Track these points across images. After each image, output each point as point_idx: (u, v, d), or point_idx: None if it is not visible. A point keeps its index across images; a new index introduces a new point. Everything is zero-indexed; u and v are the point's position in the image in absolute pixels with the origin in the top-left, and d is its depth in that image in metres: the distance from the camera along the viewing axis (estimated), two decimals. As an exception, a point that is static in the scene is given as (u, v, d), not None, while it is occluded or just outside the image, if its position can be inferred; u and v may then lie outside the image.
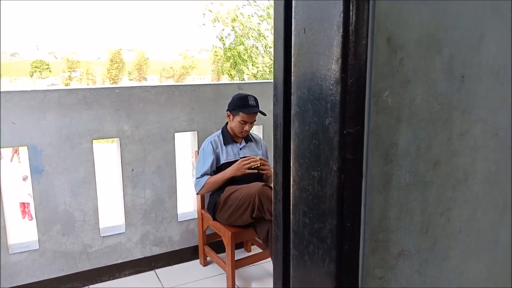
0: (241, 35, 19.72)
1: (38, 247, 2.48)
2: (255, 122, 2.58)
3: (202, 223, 2.83)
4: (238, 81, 3.15)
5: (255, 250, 3.09)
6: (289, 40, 0.71)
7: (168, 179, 2.80)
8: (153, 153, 2.72)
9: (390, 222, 0.63)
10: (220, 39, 20.59)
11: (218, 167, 2.59)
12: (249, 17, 19.82)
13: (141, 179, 2.71)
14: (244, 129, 2.53)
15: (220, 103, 2.88)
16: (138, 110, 2.62)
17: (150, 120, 2.67)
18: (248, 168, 2.46)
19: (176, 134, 2.80)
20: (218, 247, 2.86)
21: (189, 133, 2.92)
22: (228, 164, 2.57)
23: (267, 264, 2.83)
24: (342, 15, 0.55)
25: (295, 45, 0.67)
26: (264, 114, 2.53)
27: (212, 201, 2.55)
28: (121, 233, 2.72)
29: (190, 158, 3.00)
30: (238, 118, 2.50)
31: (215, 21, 19.36)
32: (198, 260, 2.94)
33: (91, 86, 2.62)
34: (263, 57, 20.53)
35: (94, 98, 2.48)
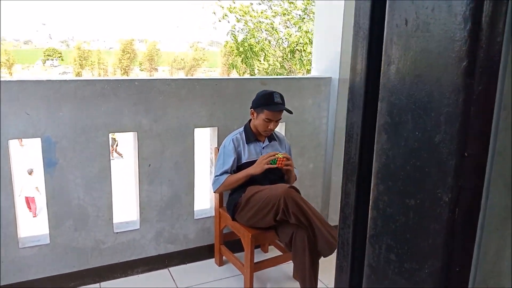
0: (253, 29, 19.55)
1: (49, 242, 2.39)
2: (280, 120, 2.45)
3: (219, 222, 2.72)
4: (261, 76, 3.03)
5: (272, 250, 2.98)
6: (376, 33, 0.58)
7: (185, 176, 2.69)
8: (171, 148, 2.61)
9: (505, 265, 0.50)
10: (232, 35, 20.45)
11: (238, 166, 2.47)
12: (262, 12, 19.61)
13: (158, 175, 2.60)
14: (269, 127, 2.41)
15: (243, 99, 2.75)
16: (157, 104, 2.51)
17: (169, 115, 2.56)
18: (272, 163, 2.33)
19: (196, 130, 2.68)
20: (234, 246, 2.75)
21: (208, 129, 2.80)
22: (249, 163, 2.45)
23: (286, 267, 2.72)
24: (472, 2, 0.42)
25: (389, 40, 0.54)
26: (290, 112, 2.40)
27: (232, 200, 2.43)
28: (136, 229, 2.62)
29: (208, 154, 2.88)
30: (262, 116, 2.38)
31: (225, 16, 19.21)
32: (214, 259, 2.84)
33: (109, 77, 2.53)
34: (275, 51, 20.37)
35: (111, 90, 2.37)
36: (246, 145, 2.48)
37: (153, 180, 2.60)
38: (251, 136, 2.49)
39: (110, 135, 2.44)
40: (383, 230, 0.57)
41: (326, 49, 3.05)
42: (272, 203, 2.16)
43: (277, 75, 21.02)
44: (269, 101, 2.35)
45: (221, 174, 2.42)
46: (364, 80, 0.63)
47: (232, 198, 2.45)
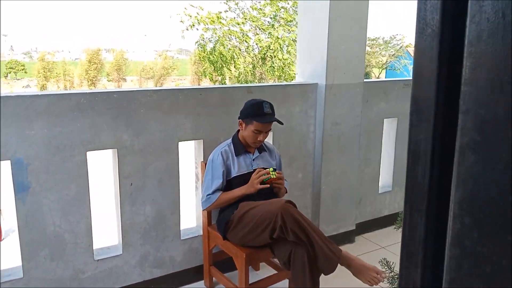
0: (223, 37, 19.47)
1: (22, 276, 2.16)
2: (269, 131, 2.32)
3: (208, 241, 2.55)
4: (248, 84, 2.89)
5: (264, 267, 2.83)
6: (449, 31, 0.46)
7: (170, 194, 2.51)
8: (154, 164, 2.42)
9: None
10: (200, 45, 20.29)
11: (229, 181, 2.32)
12: (231, 20, 19.57)
13: (140, 194, 2.41)
14: (258, 139, 2.27)
15: (229, 108, 2.61)
16: (138, 117, 2.33)
17: (152, 128, 2.38)
18: (261, 183, 2.21)
19: (180, 144, 2.51)
20: (224, 266, 2.59)
21: (193, 142, 2.64)
22: (240, 177, 2.31)
23: (282, 285, 2.57)
24: None
25: (475, 38, 0.42)
26: (281, 123, 2.28)
27: (223, 219, 2.27)
28: (118, 255, 2.41)
29: (193, 169, 2.71)
30: (251, 127, 2.24)
31: (193, 26, 19.06)
32: (203, 281, 2.66)
33: (85, 90, 2.28)
34: (245, 57, 20.33)
35: (88, 104, 2.17)
36: (235, 157, 2.33)
37: (136, 200, 2.41)
38: (240, 148, 2.34)
39: None
40: (471, 273, 0.44)
41: (311, 54, 2.95)
42: (268, 220, 2.01)
43: (247, 82, 21.01)
44: (258, 112, 2.22)
45: (213, 192, 2.26)
46: (435, 88, 0.51)
47: (223, 216, 2.29)
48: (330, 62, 2.83)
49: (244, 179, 2.32)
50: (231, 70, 20.76)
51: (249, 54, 20.51)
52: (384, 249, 3.17)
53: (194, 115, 2.50)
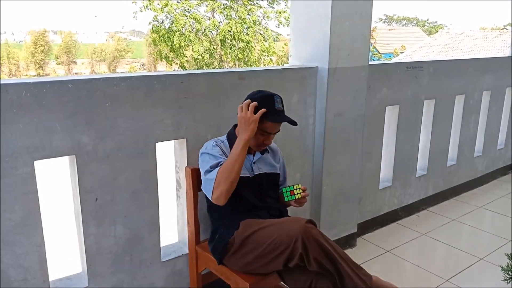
0: (177, 20, 18.62)
1: (-48, 330, 1.60)
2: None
3: (196, 264, 2.07)
4: (239, 69, 2.40)
5: None
6: None
7: (147, 208, 2.00)
8: (126, 173, 1.89)
9: None
10: (154, 26, 19.30)
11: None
12: (186, 0, 18.70)
13: (109, 212, 1.88)
14: (265, 142, 1.80)
15: (217, 99, 2.11)
16: (102, 113, 1.78)
17: (121, 127, 1.84)
18: (287, 199, 1.79)
19: (158, 145, 1.99)
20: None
21: (173, 143, 2.12)
22: (241, 180, 1.81)
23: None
24: None
25: None
26: (295, 124, 1.80)
27: (220, 241, 1.79)
28: (83, 288, 1.89)
29: (174, 175, 2.20)
30: (259, 127, 1.76)
31: (146, 7, 18.07)
32: (190, 309, 2.19)
33: (30, 79, 1.71)
34: (202, 41, 19.52)
35: (34, 97, 1.60)
36: (232, 160, 1.84)
37: (103, 219, 1.88)
38: (238, 148, 1.86)
39: None
40: None
41: (310, 32, 2.48)
42: (284, 245, 1.56)
43: (206, 65, 20.27)
44: (269, 108, 1.73)
45: (211, 168, 1.74)
46: None
47: (219, 236, 1.81)
48: (334, 41, 2.38)
49: (243, 183, 1.84)
50: (185, 55, 19.94)
51: (206, 36, 19.72)
52: (389, 253, 2.82)
53: (174, 109, 1.98)
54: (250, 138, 1.70)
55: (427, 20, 60.29)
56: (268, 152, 1.96)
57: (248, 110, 1.70)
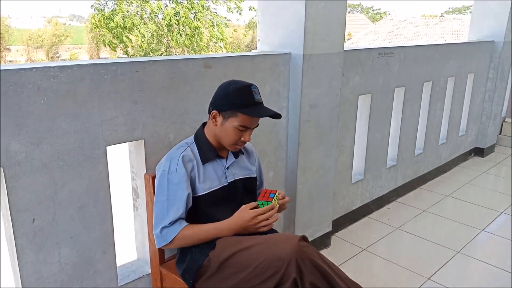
0: (120, 2, 17.66)
1: None
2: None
3: (161, 286, 1.76)
4: (204, 55, 2.07)
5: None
6: None
7: (99, 225, 1.65)
8: (69, 185, 1.54)
9: None
10: (96, 9, 18.21)
11: (192, 201, 1.54)
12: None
13: (51, 233, 1.53)
14: (242, 138, 1.51)
15: (180, 91, 1.78)
16: (37, 113, 1.41)
17: (61, 129, 1.48)
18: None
19: (110, 148, 1.64)
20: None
21: (128, 145, 1.78)
22: (210, 196, 1.54)
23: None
24: None
25: None
26: (279, 117, 1.53)
27: (192, 263, 1.50)
28: (20, 328, 1.53)
29: (130, 182, 1.86)
30: (234, 122, 1.47)
31: None
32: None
33: None
34: (147, 25, 18.65)
35: None
36: (201, 166, 1.55)
37: (44, 243, 1.52)
38: (209, 151, 1.56)
39: None
40: None
41: (281, 13, 2.20)
42: (273, 269, 1.30)
43: (152, 51, 19.44)
44: (247, 100, 1.44)
45: (172, 223, 1.47)
46: None
47: (191, 259, 1.51)
48: (309, 24, 2.12)
49: (215, 198, 1.56)
50: (130, 39, 19.00)
51: (152, 20, 18.86)
52: (366, 252, 2.65)
53: (128, 104, 1.64)
54: (233, 234, 1.49)
55: (372, 7, 61.95)
56: (243, 154, 1.68)
57: (264, 222, 1.47)
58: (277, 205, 1.53)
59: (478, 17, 4.31)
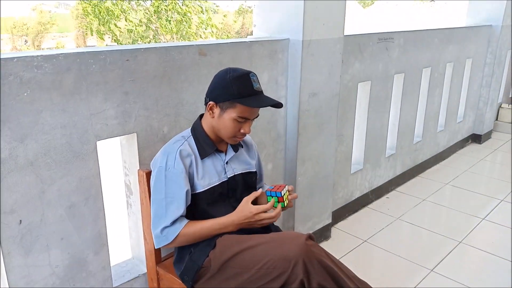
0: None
1: None
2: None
3: (158, 286, 1.68)
4: (199, 42, 1.96)
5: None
6: None
7: (90, 224, 1.56)
8: (58, 184, 1.43)
9: None
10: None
11: (191, 198, 1.45)
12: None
13: (39, 235, 1.43)
14: (242, 131, 1.41)
15: (174, 81, 1.68)
16: (20, 107, 1.30)
17: (47, 124, 1.37)
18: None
19: (100, 143, 1.54)
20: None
21: (120, 139, 1.67)
22: (208, 192, 1.45)
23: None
24: None
25: None
26: (280, 106, 1.43)
27: (192, 263, 1.41)
28: (9, 336, 1.43)
29: (123, 178, 1.76)
30: (232, 113, 1.37)
31: None
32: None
33: None
34: (136, 11, 18.29)
35: None
36: (199, 161, 1.45)
37: (32, 246, 1.42)
38: (208, 145, 1.46)
39: None
40: None
41: (278, -2, 2.09)
42: (279, 270, 1.22)
43: (141, 38, 19.11)
44: (246, 89, 1.35)
45: (173, 223, 1.37)
46: None
47: (190, 259, 1.42)
48: (309, 8, 2.01)
49: (214, 194, 1.47)
50: (119, 27, 18.63)
51: (140, 7, 18.49)
52: (367, 243, 2.60)
53: (119, 95, 1.53)
54: (237, 229, 1.41)
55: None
56: (242, 147, 1.59)
57: (266, 218, 1.39)
58: (286, 201, 1.44)
59: (475, 0, 4.22)
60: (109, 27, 18.70)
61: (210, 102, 1.39)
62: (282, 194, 1.41)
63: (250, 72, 1.38)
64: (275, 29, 2.16)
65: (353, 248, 2.55)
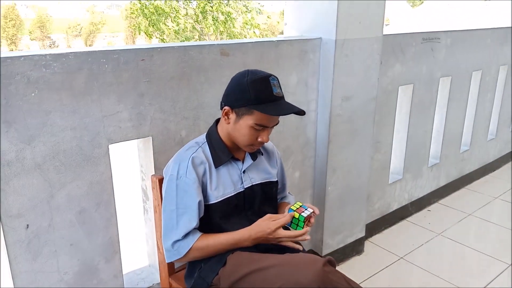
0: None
1: None
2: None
3: (171, 299, 1.59)
4: (220, 41, 1.88)
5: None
6: None
7: (102, 230, 1.49)
8: (67, 188, 1.38)
9: None
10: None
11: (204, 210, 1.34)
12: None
13: (47, 240, 1.38)
14: (259, 139, 1.29)
15: (193, 82, 1.58)
16: (27, 107, 1.24)
17: (57, 125, 1.31)
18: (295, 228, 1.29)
19: (112, 147, 1.47)
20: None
21: (136, 142, 1.60)
22: (223, 204, 1.33)
23: None
24: None
25: None
26: (303, 113, 1.29)
27: (200, 281, 1.31)
28: None
29: (140, 183, 1.69)
30: (249, 120, 1.25)
31: None
32: None
33: None
34: (187, 10, 18.58)
35: None
36: (214, 169, 1.34)
37: (40, 251, 1.37)
38: (223, 153, 1.35)
39: None
40: None
41: (310, -6, 1.95)
42: (294, 296, 1.08)
43: (186, 39, 19.43)
44: (265, 94, 1.22)
45: (185, 237, 1.27)
46: None
47: (199, 275, 1.32)
48: (342, 6, 1.86)
49: (229, 206, 1.35)
50: (167, 25, 19.00)
51: (187, 7, 18.79)
52: (403, 260, 2.39)
53: (133, 97, 1.45)
54: (252, 245, 1.29)
55: (411, -9, 59.46)
56: (262, 154, 1.46)
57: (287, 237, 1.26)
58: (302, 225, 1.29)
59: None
60: (158, 27, 19.14)
61: (226, 107, 1.28)
62: (305, 217, 1.27)
63: (271, 75, 1.25)
64: (307, 28, 2.02)
65: (388, 265, 2.35)
